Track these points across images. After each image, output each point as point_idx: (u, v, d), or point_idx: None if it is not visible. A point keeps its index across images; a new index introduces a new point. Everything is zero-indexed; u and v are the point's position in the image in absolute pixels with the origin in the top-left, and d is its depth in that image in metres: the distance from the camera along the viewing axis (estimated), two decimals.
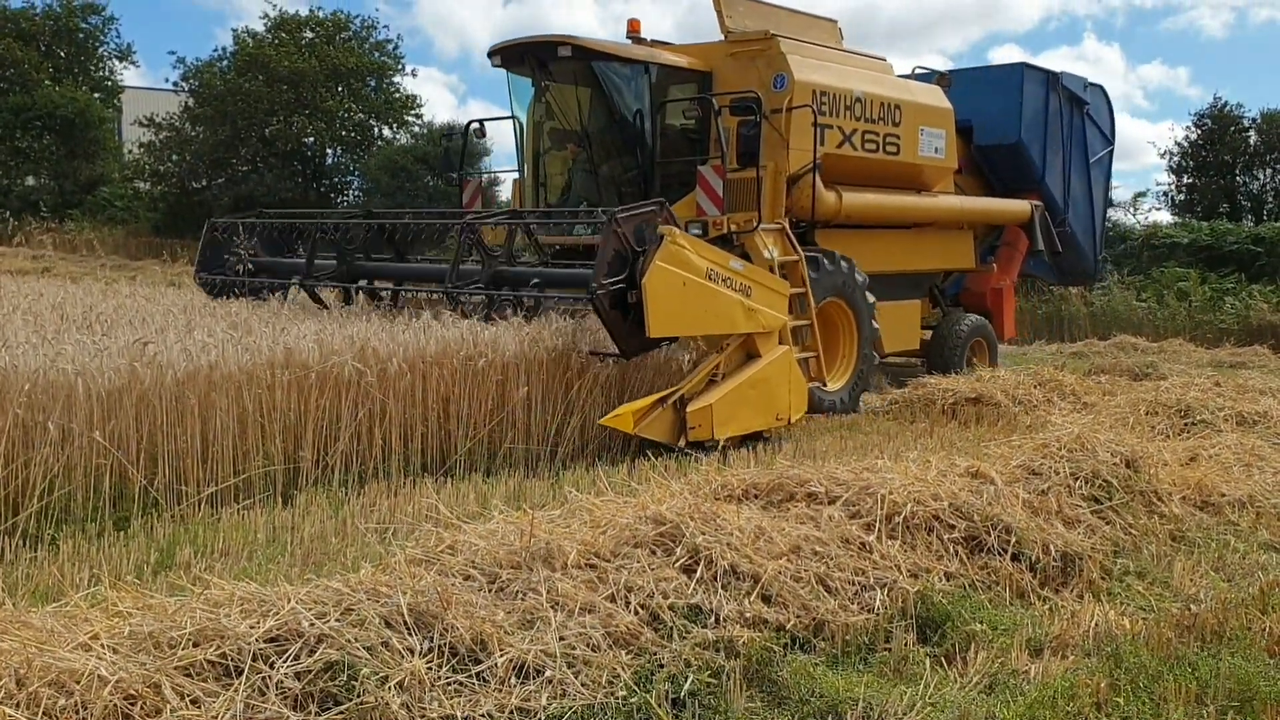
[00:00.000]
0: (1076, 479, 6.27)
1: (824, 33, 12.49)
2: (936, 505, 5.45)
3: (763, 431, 9.09)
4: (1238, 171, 36.85)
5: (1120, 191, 45.28)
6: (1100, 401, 10.63)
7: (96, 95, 38.29)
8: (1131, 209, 33.72)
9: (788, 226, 10.60)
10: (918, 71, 14.41)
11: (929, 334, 13.78)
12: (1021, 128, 14.56)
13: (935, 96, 13.11)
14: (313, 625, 3.56)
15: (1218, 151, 36.52)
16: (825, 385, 10.65)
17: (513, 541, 4.48)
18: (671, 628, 4.15)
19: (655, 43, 11.59)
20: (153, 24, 67.38)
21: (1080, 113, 15.77)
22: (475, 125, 12.39)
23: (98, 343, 6.90)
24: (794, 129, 10.94)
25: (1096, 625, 4.64)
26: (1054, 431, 7.05)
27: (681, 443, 8.31)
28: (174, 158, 35.67)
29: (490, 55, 11.28)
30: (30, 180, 37.28)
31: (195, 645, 3.43)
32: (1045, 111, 14.98)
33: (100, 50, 38.74)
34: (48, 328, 7.97)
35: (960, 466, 6.15)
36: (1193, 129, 37.06)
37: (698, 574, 4.47)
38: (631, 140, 11.09)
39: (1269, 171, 36.62)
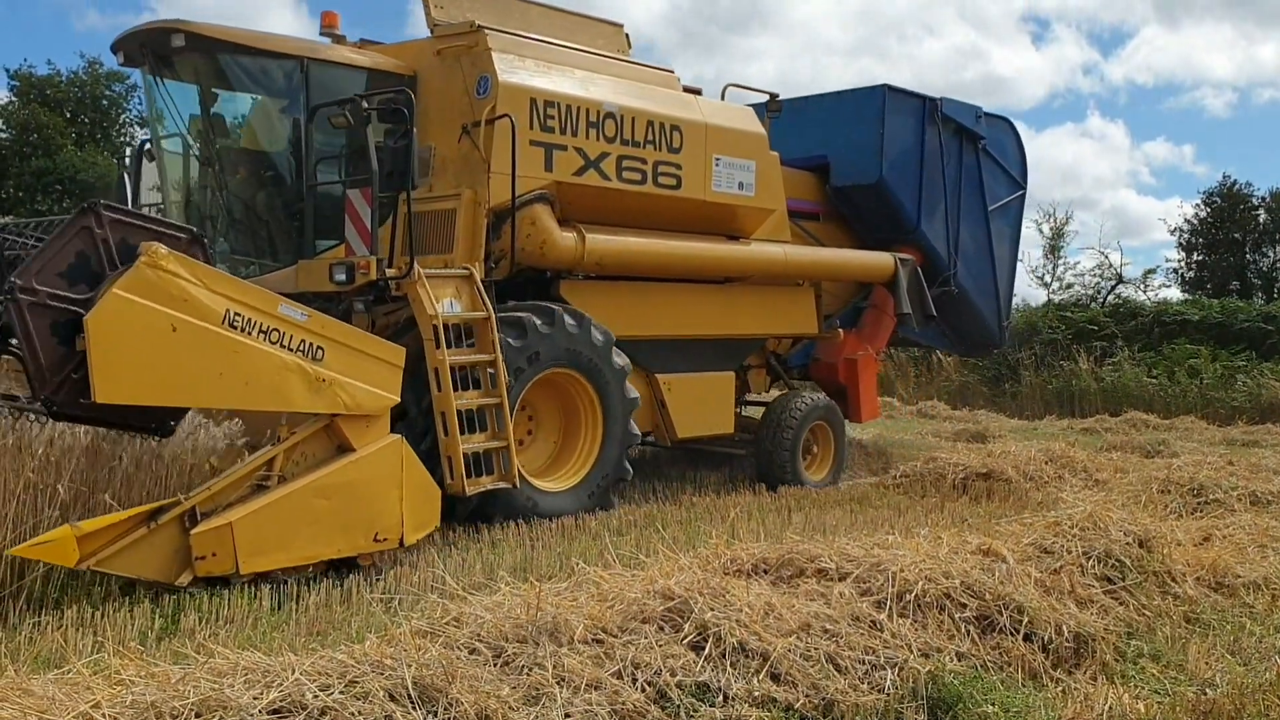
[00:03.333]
0: (1089, 558, 6.20)
1: (597, 37, 10.01)
2: (948, 583, 5.38)
3: (355, 558, 6.47)
4: (1248, 249, 37.17)
5: (1130, 268, 45.52)
6: (1112, 478, 10.56)
7: (116, 160, 38.86)
8: (1141, 285, 34.01)
9: (477, 273, 8.11)
10: (728, 96, 11.16)
11: (760, 412, 11.20)
12: (884, 165, 11.97)
13: (739, 118, 10.42)
14: (316, 697, 3.53)
15: (1227, 229, 36.88)
16: (535, 484, 8.35)
17: (519, 614, 4.44)
18: (679, 706, 4.09)
19: (364, 42, 9.38)
20: None
21: (974, 149, 13.18)
22: (148, 148, 9.46)
23: None
24: (497, 147, 8.45)
25: (1110, 709, 4.56)
26: (1066, 509, 6.98)
27: (185, 579, 5.77)
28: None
29: (113, 51, 8.79)
30: None
31: (198, 716, 3.40)
32: (920, 146, 12.42)
33: (123, 117, 39.38)
34: None
35: (972, 544, 6.08)
36: (1202, 206, 37.50)
37: (706, 651, 4.41)
38: (281, 160, 8.82)
39: (1279, 249, 36.89)
